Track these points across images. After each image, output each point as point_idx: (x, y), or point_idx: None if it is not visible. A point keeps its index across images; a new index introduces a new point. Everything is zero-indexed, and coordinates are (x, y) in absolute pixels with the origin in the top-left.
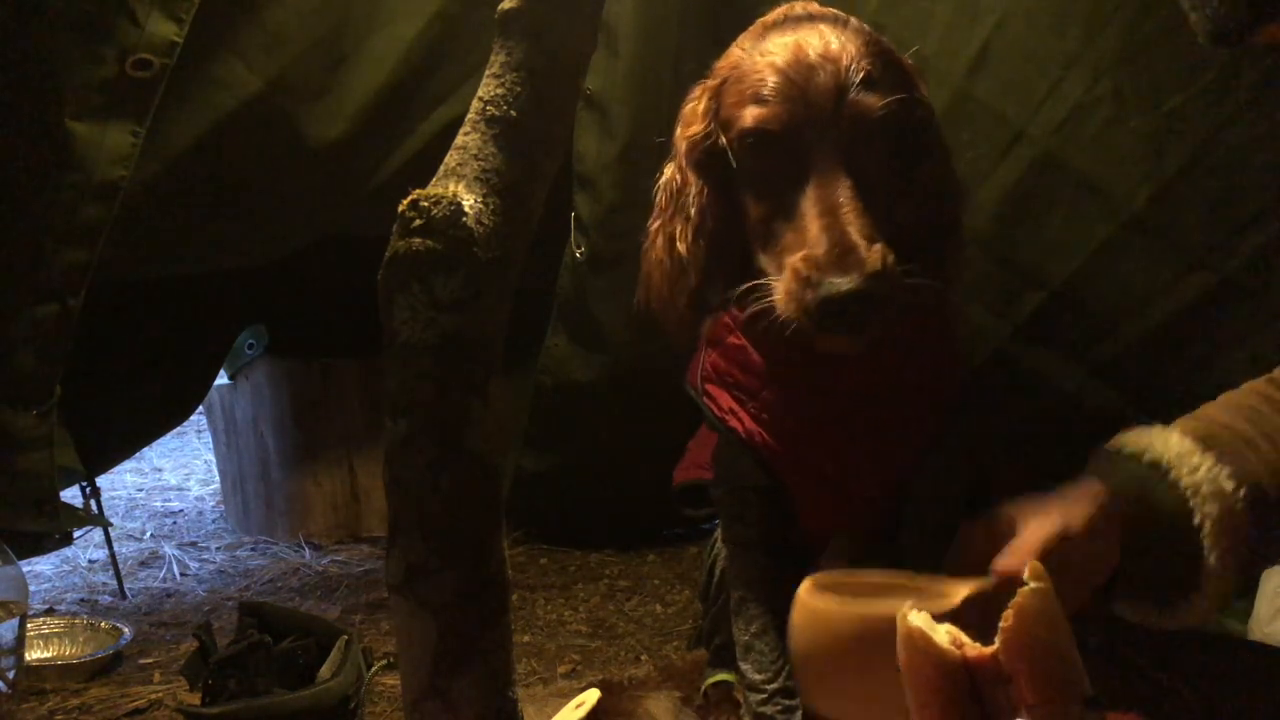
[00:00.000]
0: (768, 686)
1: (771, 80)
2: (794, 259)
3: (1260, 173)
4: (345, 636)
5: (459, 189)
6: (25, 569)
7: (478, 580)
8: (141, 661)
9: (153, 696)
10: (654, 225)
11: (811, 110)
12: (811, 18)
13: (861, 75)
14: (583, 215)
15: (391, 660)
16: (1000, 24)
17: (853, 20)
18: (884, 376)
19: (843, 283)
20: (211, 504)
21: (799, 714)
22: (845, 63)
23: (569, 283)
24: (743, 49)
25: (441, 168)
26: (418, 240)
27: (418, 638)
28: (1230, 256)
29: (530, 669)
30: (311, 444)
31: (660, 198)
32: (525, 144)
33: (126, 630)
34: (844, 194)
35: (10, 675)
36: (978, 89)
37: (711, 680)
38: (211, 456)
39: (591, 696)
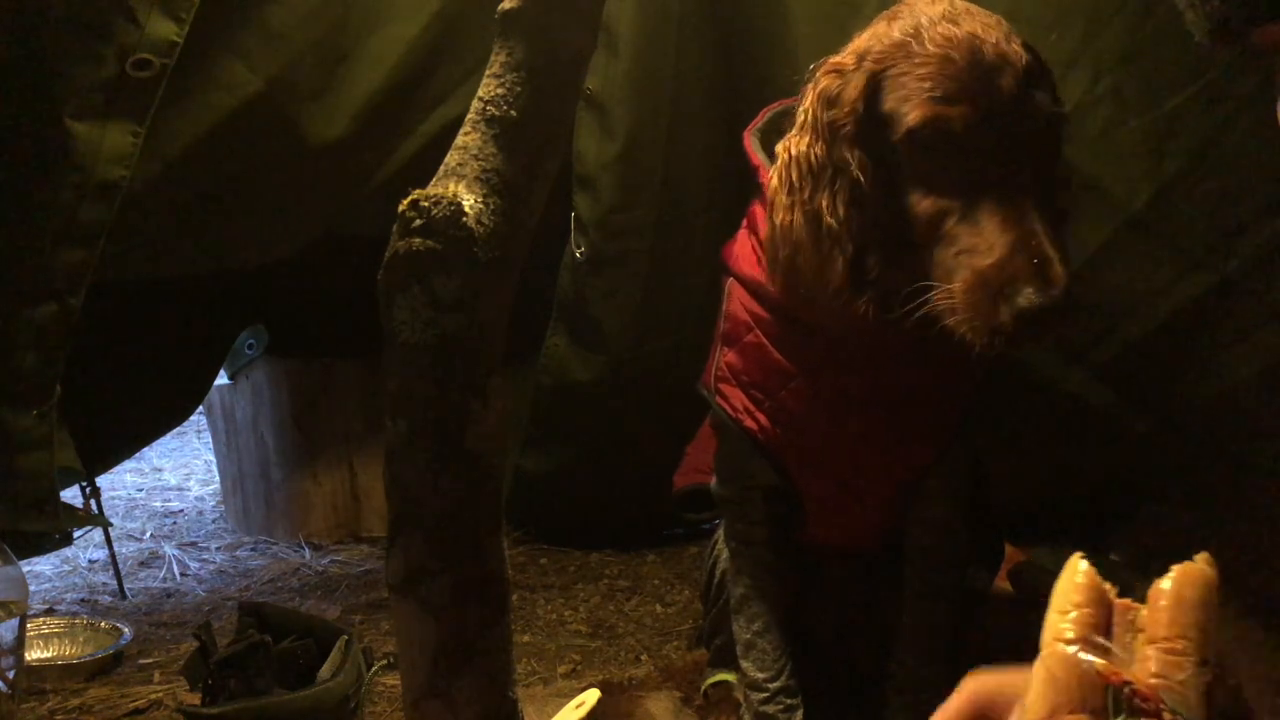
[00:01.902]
0: (770, 685)
1: (952, 77)
2: (981, 265)
3: (1260, 173)
4: (345, 636)
5: (459, 189)
6: (25, 569)
7: (478, 580)
8: (141, 661)
9: (153, 696)
10: (784, 205)
11: (994, 112)
12: (963, 10)
13: (1035, 76)
14: (583, 215)
15: (391, 660)
16: None
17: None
18: (904, 379)
19: (1044, 298)
20: (211, 504)
21: (800, 713)
22: (1021, 63)
23: (569, 283)
24: (900, 35)
25: (441, 168)
26: (418, 240)
27: (418, 638)
28: (1230, 256)
29: (530, 669)
30: (311, 444)
31: (789, 175)
32: (525, 144)
33: (126, 630)
34: (1031, 201)
35: (10, 675)
36: None
37: (711, 680)
38: (211, 456)
39: (591, 696)
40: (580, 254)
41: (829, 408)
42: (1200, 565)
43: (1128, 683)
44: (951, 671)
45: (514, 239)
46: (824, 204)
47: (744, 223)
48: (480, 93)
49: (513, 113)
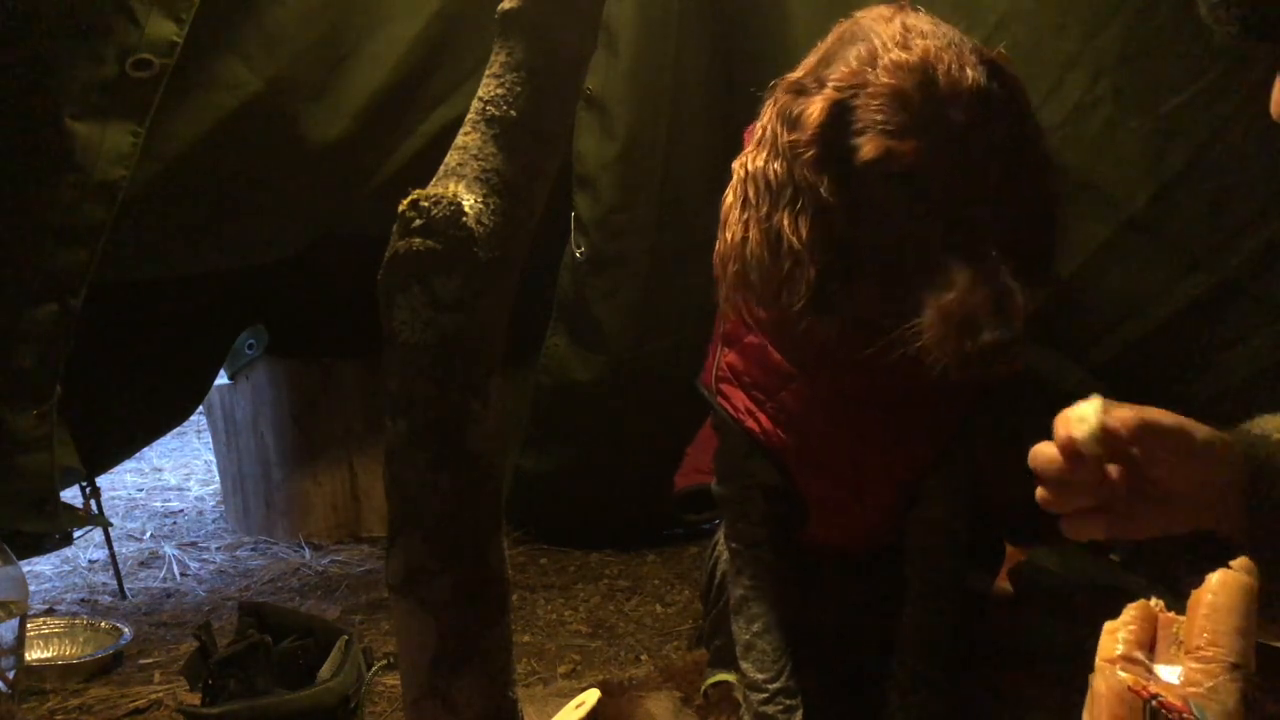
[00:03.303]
0: (769, 685)
1: (902, 108)
2: (946, 302)
3: (1260, 173)
4: (345, 636)
5: (459, 189)
6: (25, 569)
7: (478, 580)
8: (141, 661)
9: (153, 696)
10: (737, 220)
11: (945, 144)
12: (917, 31)
13: (989, 105)
14: (583, 215)
15: (391, 660)
16: (1000, 24)
17: (955, 30)
18: (905, 380)
19: (1005, 333)
20: (211, 504)
21: (800, 713)
22: (974, 93)
23: (569, 283)
24: (857, 63)
25: (441, 168)
26: (418, 240)
27: (418, 638)
28: (1230, 256)
29: (530, 669)
30: (311, 444)
31: (745, 190)
32: (525, 144)
33: (126, 630)
34: (986, 234)
35: (10, 675)
36: None
37: (711, 680)
38: (211, 456)
39: (591, 696)
40: (580, 254)
41: (828, 408)
42: (1236, 571)
43: (1155, 695)
44: (951, 671)
45: (514, 239)
46: (785, 222)
47: None
48: (480, 93)
49: (513, 113)
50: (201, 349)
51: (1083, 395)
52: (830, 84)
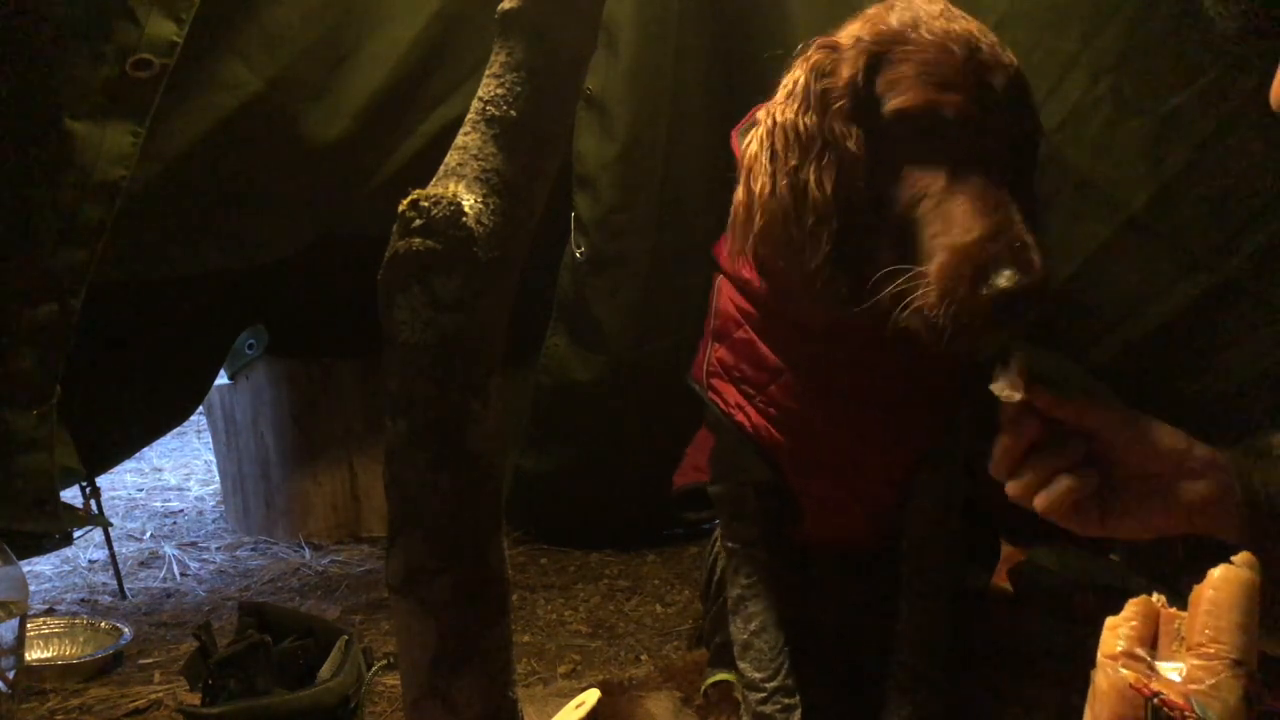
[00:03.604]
0: (767, 685)
1: (949, 66)
2: (960, 242)
3: (1260, 173)
4: (345, 636)
5: (459, 189)
6: (25, 569)
7: (478, 580)
8: (141, 661)
9: (153, 696)
10: (765, 171)
11: (987, 105)
12: (959, 14)
13: (1021, 85)
14: (583, 215)
15: (391, 660)
16: (1000, 24)
17: None
18: (893, 375)
19: (1024, 279)
20: (211, 504)
21: (798, 713)
22: (1013, 68)
23: (569, 283)
24: (898, 23)
25: (441, 168)
26: (418, 240)
27: (418, 638)
28: (1230, 256)
29: (530, 669)
30: (311, 444)
31: (772, 142)
32: (525, 144)
33: (126, 630)
34: (1007, 191)
35: (10, 675)
36: None
37: (711, 680)
38: (211, 456)
39: (591, 696)
40: (580, 254)
41: (818, 402)
42: (1237, 567)
43: (1157, 693)
44: (950, 670)
45: (514, 239)
46: (811, 176)
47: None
48: (480, 93)
49: (513, 113)
50: (201, 349)
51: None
52: (868, 38)
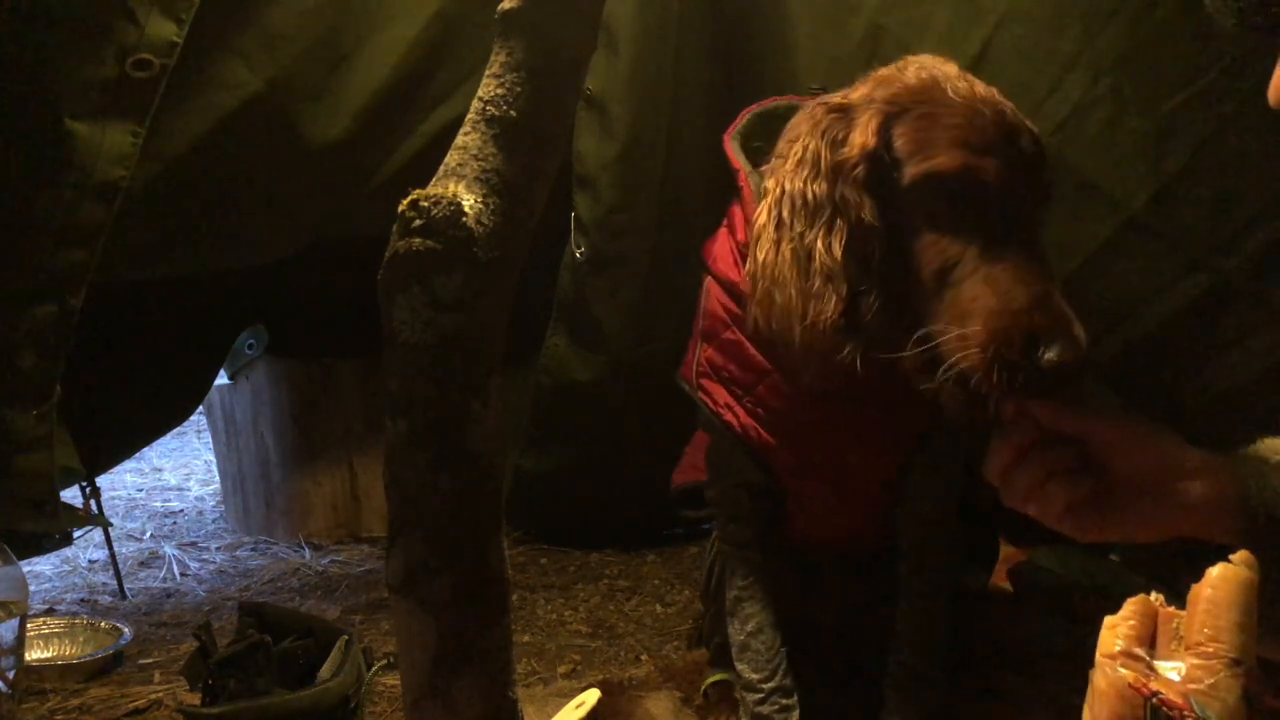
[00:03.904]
0: (764, 685)
1: (981, 129)
2: (1007, 307)
3: (1260, 173)
4: (345, 636)
5: (459, 189)
6: (25, 569)
7: (478, 580)
8: (141, 661)
9: (153, 696)
10: (771, 240)
11: (1018, 170)
12: (969, 77)
13: (1042, 148)
14: (583, 215)
15: (391, 660)
16: (1000, 24)
17: None
18: (881, 378)
19: (1074, 354)
20: (211, 504)
21: (796, 713)
22: (1034, 133)
23: (569, 283)
24: (917, 81)
25: (441, 168)
26: (418, 240)
27: (418, 638)
28: (1230, 256)
29: (530, 669)
30: (311, 444)
31: (779, 211)
32: (525, 144)
33: (126, 630)
34: (1045, 262)
35: (10, 675)
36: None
37: (711, 680)
38: (211, 456)
39: (591, 696)
40: (580, 254)
41: (806, 403)
42: (1235, 565)
43: (1156, 693)
44: (949, 669)
45: (514, 239)
46: (818, 243)
47: (724, 223)
48: (480, 93)
49: (513, 113)
50: (201, 349)
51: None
52: (882, 99)
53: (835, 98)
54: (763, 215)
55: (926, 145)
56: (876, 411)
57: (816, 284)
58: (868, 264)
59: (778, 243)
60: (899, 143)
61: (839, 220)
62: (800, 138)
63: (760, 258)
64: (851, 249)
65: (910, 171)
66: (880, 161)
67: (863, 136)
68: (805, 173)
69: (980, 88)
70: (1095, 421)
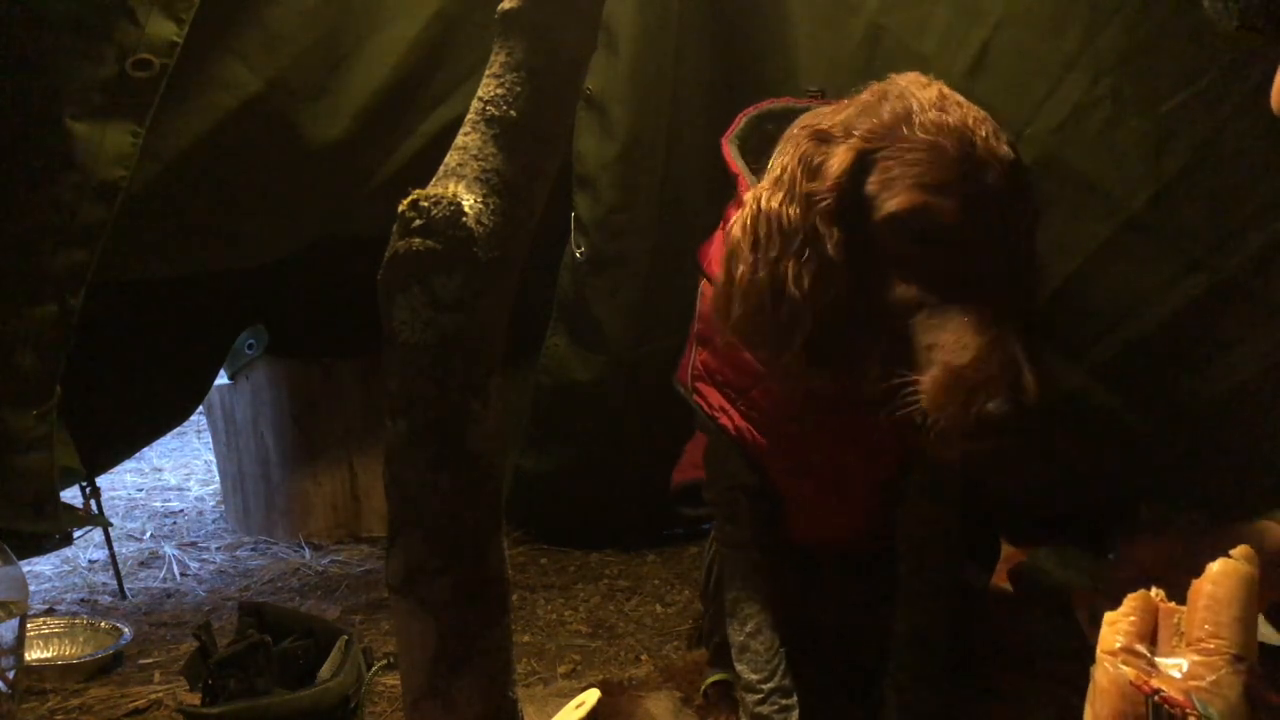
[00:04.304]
0: (763, 686)
1: (941, 166)
2: (954, 363)
3: (1260, 173)
4: (345, 636)
5: (459, 189)
6: (25, 569)
7: (478, 580)
8: (141, 661)
9: (153, 696)
10: (747, 259)
11: (980, 206)
12: (954, 100)
13: (1017, 178)
14: (583, 215)
15: (391, 660)
16: (1000, 25)
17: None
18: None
19: (1009, 406)
20: (211, 504)
21: (795, 713)
22: (1007, 162)
23: (569, 283)
24: (890, 117)
25: (441, 168)
26: (418, 240)
27: (418, 638)
28: (1230, 256)
29: (530, 669)
30: (311, 444)
31: (756, 229)
32: (525, 144)
33: (126, 630)
34: (1007, 304)
35: (10, 675)
36: (977, 89)
37: (711, 680)
38: (211, 456)
39: (591, 696)
40: (580, 254)
41: (798, 406)
42: (1236, 561)
43: (1157, 690)
44: (949, 669)
45: (514, 239)
46: (789, 271)
47: (720, 225)
48: (480, 93)
49: (513, 113)
50: (201, 349)
51: (1083, 395)
52: (858, 134)
53: (824, 119)
54: (737, 229)
55: (890, 185)
56: (865, 415)
57: (784, 316)
58: (832, 298)
59: (755, 264)
60: (870, 181)
61: (809, 250)
62: (782, 154)
63: (736, 275)
64: (817, 284)
65: (877, 211)
66: (852, 198)
67: (837, 169)
68: (781, 194)
69: (953, 118)
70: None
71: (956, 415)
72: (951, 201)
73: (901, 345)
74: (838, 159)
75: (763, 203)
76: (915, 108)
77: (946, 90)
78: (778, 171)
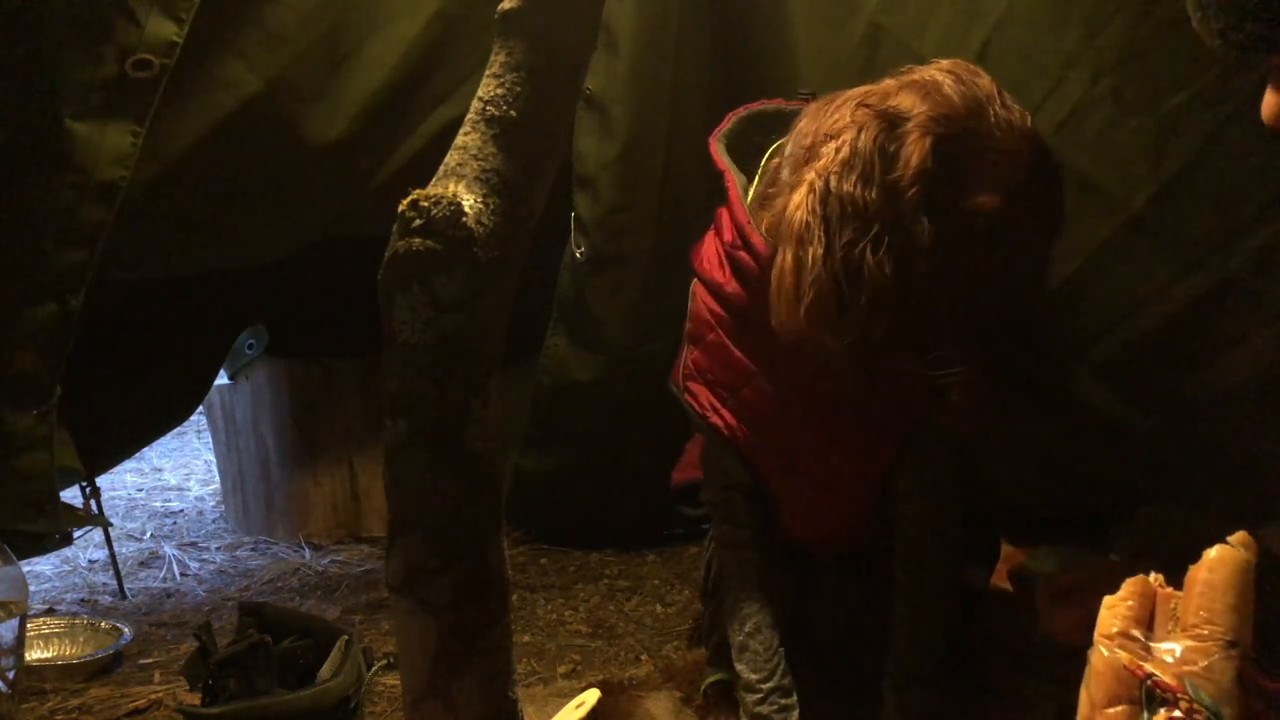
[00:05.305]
0: (763, 686)
1: (1019, 168)
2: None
3: (1260, 173)
4: (345, 636)
5: (459, 189)
6: (25, 569)
7: (478, 580)
8: (141, 661)
9: (153, 696)
10: (819, 240)
11: (1044, 211)
12: (1003, 92)
13: (1063, 179)
14: (583, 215)
15: (391, 660)
16: (1000, 24)
17: None
18: (868, 379)
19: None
20: (211, 504)
21: (795, 713)
22: (1060, 168)
23: (569, 283)
24: (962, 102)
25: (441, 168)
26: (418, 240)
27: (418, 638)
28: (1230, 256)
29: (530, 669)
30: (311, 444)
31: (824, 210)
32: (525, 144)
33: (126, 630)
34: (1037, 306)
35: (10, 675)
36: None
37: (710, 680)
38: (211, 456)
39: (591, 696)
40: (580, 254)
41: (789, 405)
42: (1232, 547)
43: (1150, 675)
44: (948, 669)
45: (514, 239)
46: (870, 256)
47: (712, 226)
48: (480, 93)
49: (513, 113)
50: (201, 349)
51: (1083, 395)
52: (932, 119)
53: (873, 99)
54: (802, 211)
55: (970, 180)
56: (856, 414)
57: (864, 300)
58: (911, 284)
59: (828, 248)
60: (946, 169)
61: (889, 236)
62: (841, 134)
63: (808, 259)
64: (902, 267)
65: (952, 204)
66: (936, 183)
67: (918, 158)
68: (854, 177)
69: (1016, 115)
70: None
71: (981, 415)
72: (1025, 204)
73: (951, 333)
74: (917, 144)
75: (833, 184)
76: (984, 95)
77: (995, 83)
78: (846, 153)
